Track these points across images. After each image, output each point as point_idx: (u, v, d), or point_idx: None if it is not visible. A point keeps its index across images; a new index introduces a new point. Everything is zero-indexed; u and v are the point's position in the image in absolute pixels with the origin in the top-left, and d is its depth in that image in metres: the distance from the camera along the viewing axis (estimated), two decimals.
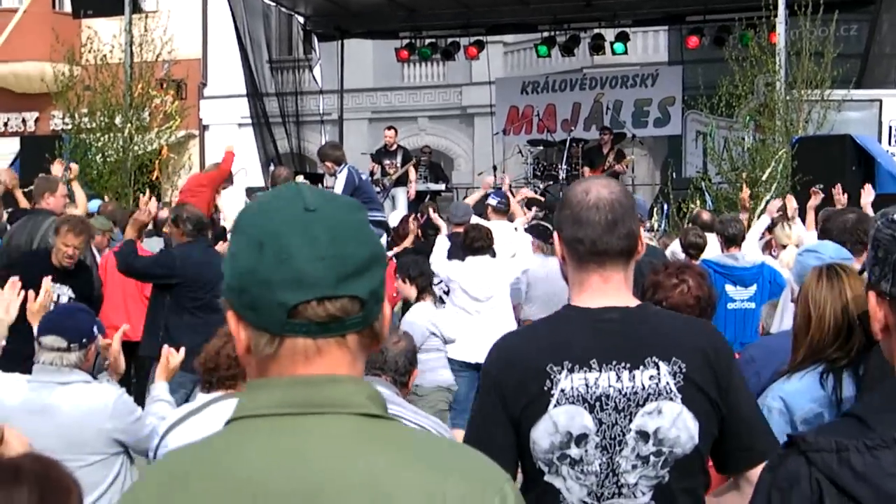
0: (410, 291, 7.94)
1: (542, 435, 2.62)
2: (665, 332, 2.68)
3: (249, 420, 1.56)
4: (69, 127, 19.05)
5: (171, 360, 4.90)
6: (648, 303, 2.97)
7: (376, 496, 1.47)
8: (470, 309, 8.53)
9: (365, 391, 1.59)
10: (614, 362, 2.62)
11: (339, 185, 10.18)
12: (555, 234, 2.81)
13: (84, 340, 4.45)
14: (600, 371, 2.62)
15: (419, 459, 1.53)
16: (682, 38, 19.07)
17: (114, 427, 4.35)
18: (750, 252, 8.57)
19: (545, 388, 2.61)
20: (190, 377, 6.28)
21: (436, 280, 9.56)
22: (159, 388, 4.95)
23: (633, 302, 2.72)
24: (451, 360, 8.67)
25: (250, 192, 15.58)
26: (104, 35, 18.07)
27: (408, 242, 10.52)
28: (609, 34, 19.30)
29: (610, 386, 2.61)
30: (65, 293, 7.29)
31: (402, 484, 1.49)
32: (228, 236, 9.38)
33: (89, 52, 19.03)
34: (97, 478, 4.29)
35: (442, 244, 8.99)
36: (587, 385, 2.61)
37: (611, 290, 2.69)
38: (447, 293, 9.09)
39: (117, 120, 18.80)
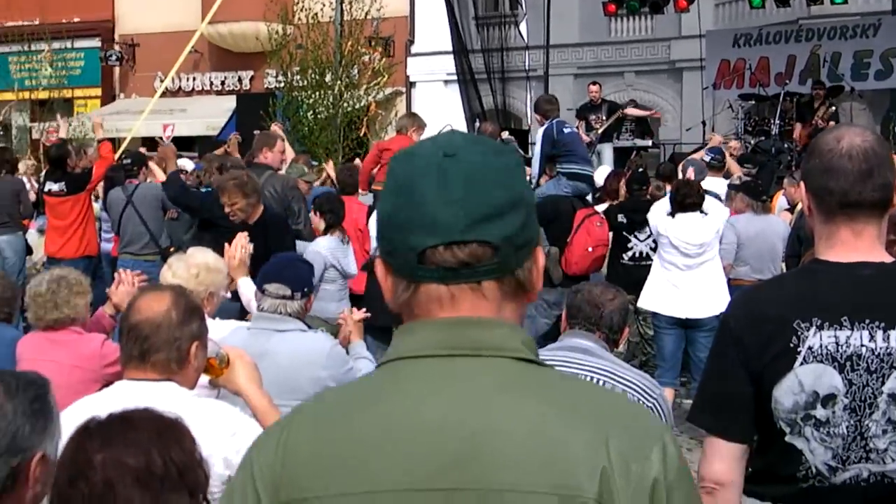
0: (319, 224, 8.13)
1: (786, 393, 2.52)
2: None
3: (402, 361, 1.55)
4: (282, 85, 19.65)
5: (352, 321, 5.11)
6: None
7: (534, 441, 1.44)
8: (680, 265, 8.37)
9: (519, 336, 1.55)
10: (867, 321, 2.49)
11: (538, 138, 10.13)
12: (801, 185, 2.67)
13: (305, 289, 4.55)
14: (852, 329, 2.49)
15: (577, 407, 1.50)
16: None
17: (328, 375, 4.41)
18: None
19: (791, 345, 2.51)
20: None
21: (643, 235, 9.43)
22: (358, 346, 5.13)
23: (888, 258, 2.57)
24: (657, 316, 8.55)
25: None
26: None
27: (619, 198, 10.40)
28: None
29: (862, 345, 2.48)
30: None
31: (563, 432, 1.45)
32: None
33: (301, 10, 19.51)
34: None
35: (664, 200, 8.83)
36: (837, 343, 2.49)
37: (862, 245, 2.55)
38: (654, 249, 8.94)
39: (327, 77, 19.27)
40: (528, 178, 1.84)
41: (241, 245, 5.82)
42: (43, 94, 25.47)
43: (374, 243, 9.08)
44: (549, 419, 1.46)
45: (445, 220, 1.49)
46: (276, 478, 1.51)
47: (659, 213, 8.61)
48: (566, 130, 9.76)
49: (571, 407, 1.49)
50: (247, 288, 5.60)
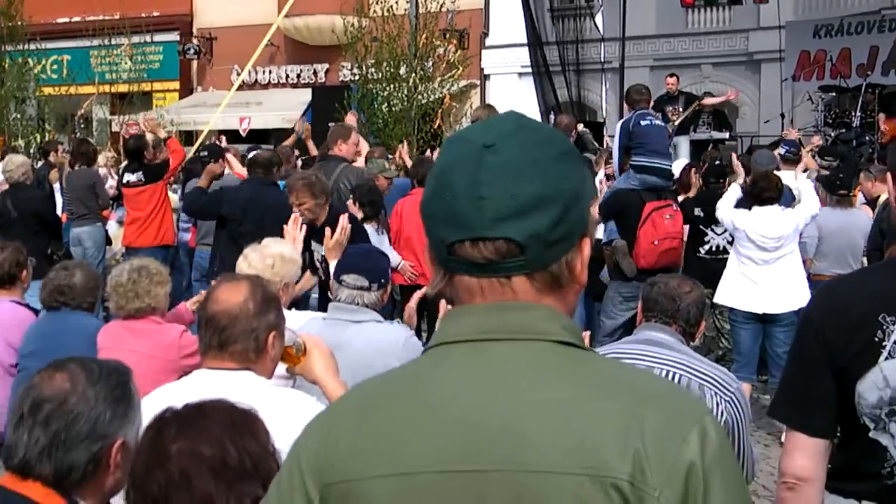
0: (357, 214, 8.23)
1: (870, 388, 2.47)
2: None
3: (445, 346, 1.56)
4: (357, 77, 19.76)
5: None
6: None
7: (566, 422, 1.43)
8: (757, 259, 8.25)
9: (560, 320, 1.55)
10: None
11: (616, 129, 10.06)
12: (888, 177, 2.61)
13: (382, 281, 4.54)
14: None
15: (615, 389, 1.48)
16: None
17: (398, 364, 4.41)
18: None
19: (876, 339, 2.46)
20: None
21: (720, 229, 9.32)
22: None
23: None
24: (733, 311, 8.44)
25: None
26: None
27: (692, 192, 10.28)
28: None
29: None
30: (319, 250, 7.36)
31: (596, 413, 1.44)
32: None
33: (377, 3, 19.58)
34: None
35: (734, 192, 8.71)
36: None
37: None
38: (731, 243, 8.83)
39: (402, 70, 19.32)
40: (581, 168, 1.79)
41: (343, 228, 5.90)
42: (123, 88, 25.88)
43: None
44: (583, 401, 1.45)
45: (471, 215, 1.49)
46: (319, 462, 1.54)
47: (727, 207, 8.50)
48: (643, 122, 9.65)
49: (606, 389, 1.48)
50: None
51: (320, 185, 7.26)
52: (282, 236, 7.44)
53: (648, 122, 9.66)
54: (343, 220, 5.98)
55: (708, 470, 1.42)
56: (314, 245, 7.04)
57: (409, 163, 11.68)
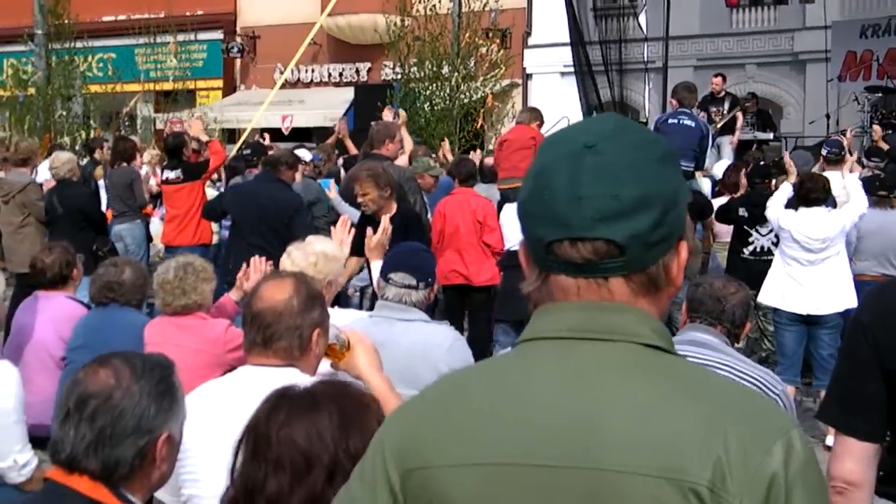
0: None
1: None
2: None
3: (534, 342, 1.57)
4: (399, 76, 19.79)
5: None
6: None
7: (648, 425, 1.43)
8: (802, 260, 8.18)
9: (651, 323, 1.54)
10: None
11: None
12: None
13: (429, 279, 4.52)
14: None
15: (700, 396, 1.48)
16: None
17: (448, 368, 4.35)
18: None
19: None
20: None
21: (765, 230, 9.24)
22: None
23: None
24: (778, 312, 8.38)
25: None
26: None
27: (740, 192, 10.22)
28: None
29: None
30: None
31: (679, 418, 1.43)
32: None
33: (420, 2, 19.59)
34: None
35: (785, 191, 8.65)
36: None
37: None
38: (775, 243, 8.76)
39: (444, 69, 19.33)
40: (678, 170, 1.80)
41: (384, 228, 5.90)
42: (167, 86, 26.09)
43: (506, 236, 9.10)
44: (667, 405, 1.45)
45: (570, 215, 1.50)
46: (402, 449, 1.56)
47: (777, 207, 8.44)
48: (670, 121, 9.63)
49: (692, 394, 1.48)
50: (377, 271, 5.66)
51: (386, 177, 7.26)
52: (284, 234, 7.52)
53: (676, 121, 9.62)
54: (385, 221, 5.97)
55: (791, 483, 1.41)
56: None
57: (450, 158, 11.68)
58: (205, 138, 11.84)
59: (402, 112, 12.23)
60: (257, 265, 5.53)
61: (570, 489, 1.44)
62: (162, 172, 11.49)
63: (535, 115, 10.65)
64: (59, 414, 2.37)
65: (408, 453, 1.55)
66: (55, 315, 5.91)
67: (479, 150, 15.13)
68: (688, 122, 9.84)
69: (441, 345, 4.37)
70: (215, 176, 12.69)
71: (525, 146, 9.78)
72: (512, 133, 10.52)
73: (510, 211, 9.36)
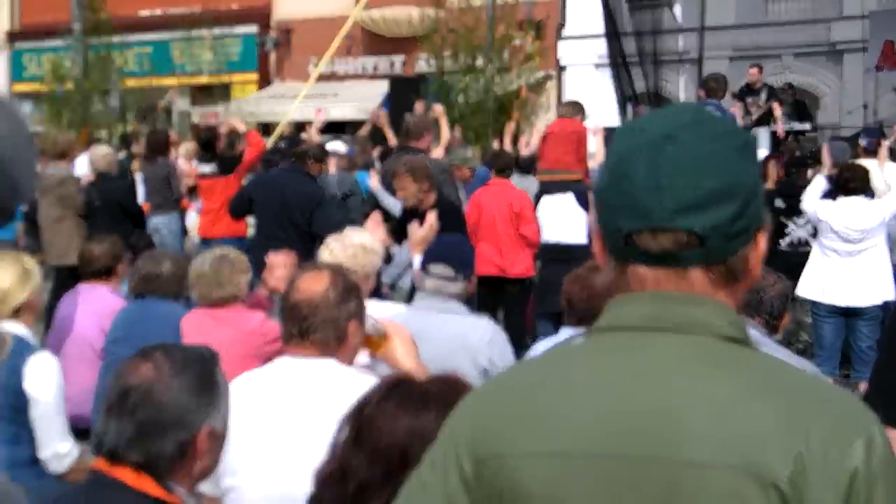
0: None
1: None
2: None
3: (607, 333, 1.57)
4: (433, 69, 19.79)
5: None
6: None
7: (731, 420, 1.42)
8: (841, 251, 8.11)
9: (728, 315, 1.54)
10: None
11: None
12: None
13: (468, 272, 4.50)
14: None
15: (780, 390, 1.46)
16: None
17: (488, 362, 4.34)
18: None
19: None
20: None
21: (802, 220, 9.17)
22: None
23: None
24: (816, 304, 8.31)
25: (608, 131, 15.46)
26: None
27: (770, 183, 10.13)
28: None
29: None
30: None
31: (758, 412, 1.42)
32: None
33: None
34: None
35: (819, 183, 8.57)
36: None
37: None
38: (813, 235, 8.69)
39: (479, 61, 19.31)
40: (756, 161, 1.79)
41: (430, 224, 5.91)
42: (203, 80, 26.22)
43: (542, 226, 9.08)
44: (746, 398, 1.44)
45: (649, 204, 1.50)
46: (475, 438, 1.56)
47: (813, 198, 8.37)
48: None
49: (772, 388, 1.47)
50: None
51: (423, 170, 7.24)
52: (304, 228, 7.56)
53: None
54: (431, 217, 5.97)
55: (872, 478, 1.40)
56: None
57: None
58: (242, 128, 11.84)
59: (437, 106, 12.17)
60: (276, 260, 5.55)
61: (649, 481, 1.43)
62: (198, 166, 11.56)
63: (578, 109, 10.60)
64: (102, 407, 2.39)
65: (480, 443, 1.55)
66: (99, 308, 5.94)
67: (520, 137, 15.06)
68: (715, 114, 9.78)
69: (481, 338, 4.36)
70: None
71: (568, 140, 9.77)
72: (555, 126, 10.49)
73: (550, 203, 9.34)
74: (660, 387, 1.47)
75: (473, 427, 1.57)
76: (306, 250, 7.97)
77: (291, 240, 7.93)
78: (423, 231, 5.88)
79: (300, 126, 19.95)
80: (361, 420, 2.18)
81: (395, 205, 7.73)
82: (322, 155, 9.41)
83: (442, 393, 2.17)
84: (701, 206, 1.49)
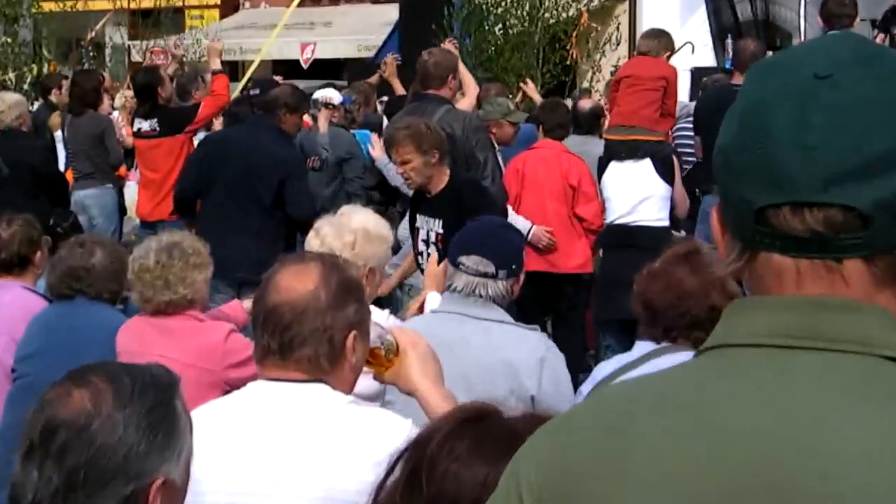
0: None
1: None
2: None
3: (726, 349, 1.53)
4: None
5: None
6: None
7: (894, 468, 1.38)
8: None
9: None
10: None
11: None
12: None
13: (513, 266, 4.48)
14: None
15: None
16: None
17: (535, 387, 4.33)
18: None
19: None
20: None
21: None
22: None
23: None
24: None
25: (698, 73, 15.42)
26: None
27: None
28: None
29: None
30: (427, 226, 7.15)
31: None
32: None
33: None
34: None
35: None
36: None
37: None
38: None
39: None
40: None
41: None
42: (147, 3, 26.21)
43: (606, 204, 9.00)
44: None
45: (795, 171, 1.45)
46: (543, 490, 1.53)
47: None
48: None
49: None
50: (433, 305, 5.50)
51: (431, 136, 6.92)
52: (269, 205, 7.59)
53: None
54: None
55: None
56: (421, 219, 6.99)
57: (537, 99, 11.61)
58: (217, 64, 11.56)
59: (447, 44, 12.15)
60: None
61: None
62: (132, 122, 11.50)
63: (665, 43, 10.15)
64: (21, 448, 2.34)
65: (552, 494, 1.53)
66: (10, 313, 5.94)
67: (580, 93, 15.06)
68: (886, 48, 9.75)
69: (530, 356, 4.35)
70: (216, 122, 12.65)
71: (652, 87, 9.49)
72: (634, 66, 10.17)
73: (619, 172, 9.11)
74: (804, 424, 1.43)
75: (545, 474, 1.54)
76: (272, 238, 7.98)
77: (250, 223, 7.94)
78: (439, 269, 5.62)
79: (279, 67, 19.96)
80: (420, 462, 2.16)
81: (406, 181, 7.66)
82: (300, 104, 9.27)
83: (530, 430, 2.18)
84: (866, 175, 1.43)
